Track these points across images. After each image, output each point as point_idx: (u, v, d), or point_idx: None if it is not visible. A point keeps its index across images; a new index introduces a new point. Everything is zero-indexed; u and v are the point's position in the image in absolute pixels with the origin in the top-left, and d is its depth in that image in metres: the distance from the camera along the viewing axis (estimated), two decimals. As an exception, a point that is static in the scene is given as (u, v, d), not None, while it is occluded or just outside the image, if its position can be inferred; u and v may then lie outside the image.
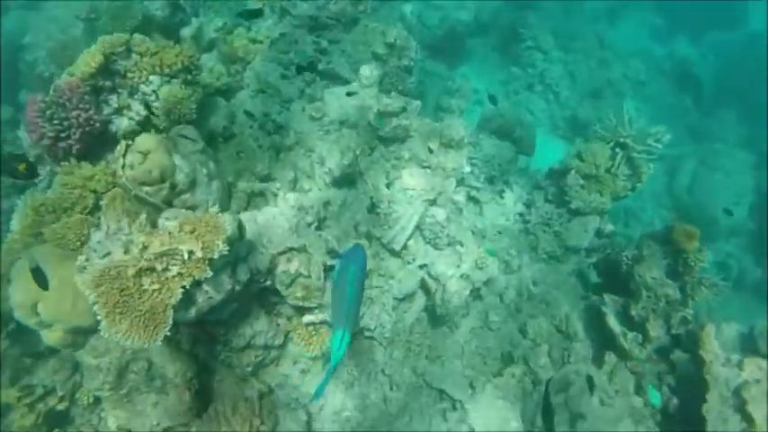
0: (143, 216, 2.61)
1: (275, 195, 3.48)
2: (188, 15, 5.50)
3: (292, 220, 3.13)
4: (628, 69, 9.54)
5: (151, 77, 3.45)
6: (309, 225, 3.25)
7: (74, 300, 2.66)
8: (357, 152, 3.77)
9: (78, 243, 2.89)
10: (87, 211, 3.07)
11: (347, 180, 3.85)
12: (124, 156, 2.85)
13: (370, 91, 4.21)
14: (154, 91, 3.43)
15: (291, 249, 2.97)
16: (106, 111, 3.45)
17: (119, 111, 3.50)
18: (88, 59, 3.31)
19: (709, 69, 11.03)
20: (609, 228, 5.06)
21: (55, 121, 3.18)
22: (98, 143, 3.41)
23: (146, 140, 2.80)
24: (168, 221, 2.40)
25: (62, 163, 3.23)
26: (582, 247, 4.99)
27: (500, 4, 8.61)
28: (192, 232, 2.29)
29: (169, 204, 2.86)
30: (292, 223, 3.11)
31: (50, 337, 2.85)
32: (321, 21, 4.73)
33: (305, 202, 3.32)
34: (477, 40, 8.64)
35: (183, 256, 2.23)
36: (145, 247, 2.23)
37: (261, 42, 4.71)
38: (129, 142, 2.97)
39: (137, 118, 3.50)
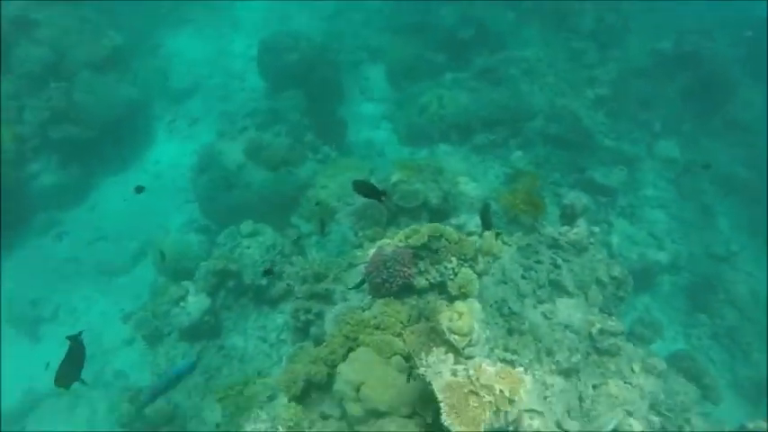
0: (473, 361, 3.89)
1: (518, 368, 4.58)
2: (452, 206, 7.41)
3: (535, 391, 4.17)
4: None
5: (452, 258, 5.02)
6: (545, 398, 4.25)
7: (386, 392, 3.93)
8: (579, 355, 4.79)
9: (391, 355, 4.26)
10: (396, 334, 4.49)
11: (565, 372, 4.83)
12: (439, 312, 4.26)
13: (593, 309, 5.33)
14: (453, 268, 4.96)
15: (533, 411, 3.96)
16: (412, 270, 5.06)
17: (421, 273, 5.09)
18: (419, 236, 5.02)
19: None
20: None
21: (390, 270, 4.82)
22: (402, 290, 4.99)
23: (463, 306, 4.21)
24: (489, 366, 3.61)
25: (384, 298, 4.79)
26: None
27: (700, 253, 9.44)
28: (503, 378, 3.45)
29: (457, 352, 4.14)
30: (535, 393, 4.14)
31: (352, 408, 4.10)
32: (560, 243, 6.14)
33: (546, 381, 4.37)
34: (666, 276, 9.44)
35: (496, 392, 3.38)
36: (477, 378, 3.44)
37: (510, 245, 6.23)
38: (449, 303, 4.42)
39: (432, 281, 5.05)
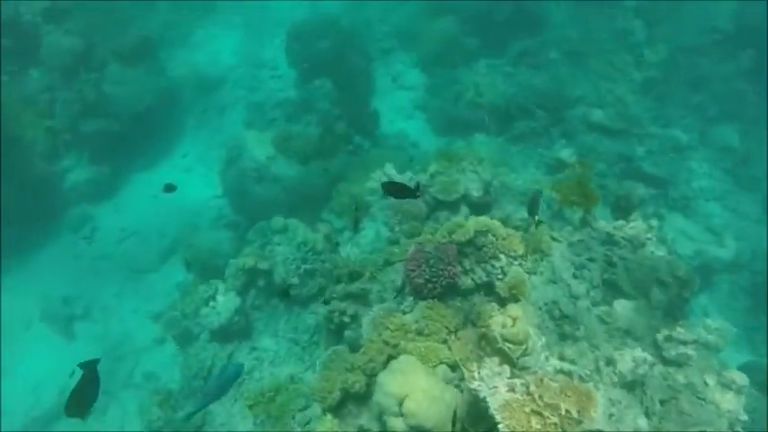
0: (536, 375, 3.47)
1: (582, 377, 4.13)
2: (493, 198, 6.94)
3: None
4: None
5: (500, 255, 4.57)
6: (610, 416, 3.79)
7: (433, 406, 3.54)
8: (646, 365, 4.29)
9: (435, 363, 3.86)
10: (441, 340, 4.08)
11: (629, 385, 4.34)
12: (490, 316, 3.84)
13: (656, 313, 4.81)
14: (501, 267, 4.51)
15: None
16: (457, 268, 4.64)
17: (466, 272, 4.66)
18: (464, 232, 4.58)
19: None
20: None
21: (433, 269, 4.41)
22: (446, 290, 4.57)
23: (517, 309, 3.77)
24: (553, 382, 3.18)
25: (427, 300, 4.38)
26: None
27: (762, 250, 8.70)
28: (569, 395, 3.03)
29: (511, 362, 3.71)
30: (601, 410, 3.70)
31: (395, 423, 3.73)
32: (615, 238, 5.61)
33: (609, 395, 3.91)
34: (725, 275, 8.73)
35: (561, 411, 2.95)
36: (540, 396, 3.03)
37: (560, 242, 5.73)
38: (500, 307, 3.99)
39: (478, 281, 4.61)
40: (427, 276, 4.39)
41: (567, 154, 8.57)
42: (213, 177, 10.40)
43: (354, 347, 5.57)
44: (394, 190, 3.92)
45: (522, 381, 3.18)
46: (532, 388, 3.06)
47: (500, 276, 4.50)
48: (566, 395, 3.03)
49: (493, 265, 4.54)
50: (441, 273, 4.39)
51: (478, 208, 6.76)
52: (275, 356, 7.22)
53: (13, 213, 9.09)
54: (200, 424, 6.56)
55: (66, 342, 8.82)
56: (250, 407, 5.57)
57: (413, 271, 4.49)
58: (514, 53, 11.12)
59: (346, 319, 5.55)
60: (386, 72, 12.00)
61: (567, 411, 2.96)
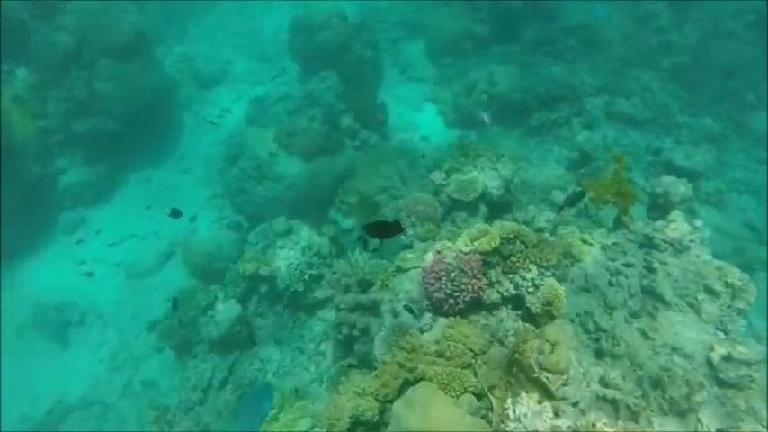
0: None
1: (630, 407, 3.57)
2: (514, 197, 6.38)
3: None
4: None
5: (531, 266, 4.01)
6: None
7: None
8: (704, 391, 3.72)
9: (460, 392, 3.31)
10: (465, 364, 3.53)
11: (682, 412, 3.77)
12: (525, 341, 3.29)
13: (708, 327, 4.23)
14: (532, 279, 3.95)
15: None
16: (482, 281, 4.08)
17: (491, 284, 4.10)
18: (489, 240, 4.02)
19: None
20: None
21: (455, 283, 3.86)
22: (471, 306, 4.01)
23: (556, 332, 3.22)
24: (606, 428, 2.65)
25: (449, 318, 3.83)
26: None
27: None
28: None
29: (550, 394, 3.17)
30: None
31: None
32: (654, 241, 5.02)
33: (662, 427, 3.35)
34: (763, 274, 8.09)
35: None
36: None
37: (591, 245, 5.16)
38: (532, 325, 3.44)
39: (505, 294, 4.05)
40: (448, 291, 3.84)
41: (590, 147, 7.96)
42: (214, 176, 9.92)
43: (365, 362, 5.06)
44: (377, 230, 3.69)
45: (570, 424, 2.64)
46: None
47: (531, 289, 3.93)
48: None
49: (523, 277, 3.98)
50: (463, 287, 3.84)
51: (498, 207, 6.21)
52: (279, 367, 6.74)
53: (5, 217, 8.65)
54: (199, 443, 6.11)
55: (60, 350, 8.38)
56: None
57: (432, 284, 3.94)
58: (529, 41, 10.48)
59: (356, 333, 5.02)
60: (394, 63, 11.42)
61: (628, 464, 2.42)
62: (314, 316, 7.01)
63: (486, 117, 8.38)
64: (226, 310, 6.49)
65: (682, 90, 9.43)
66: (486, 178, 6.06)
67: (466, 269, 3.86)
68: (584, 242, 5.16)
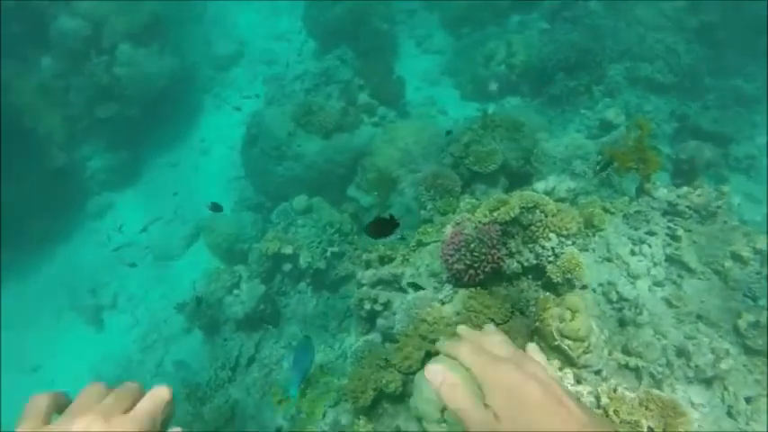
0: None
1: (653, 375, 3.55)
2: (534, 167, 6.28)
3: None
4: None
5: (551, 235, 3.97)
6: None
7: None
8: (730, 359, 3.66)
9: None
10: (486, 337, 3.54)
11: (708, 381, 3.73)
12: (545, 309, 3.27)
13: (736, 294, 4.14)
14: (552, 248, 3.91)
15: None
16: (502, 251, 4.06)
17: (511, 254, 4.08)
18: (508, 209, 3.99)
19: None
20: None
21: (475, 253, 3.85)
22: (491, 277, 4.01)
23: (576, 301, 3.20)
24: (628, 392, 2.65)
25: (469, 289, 3.84)
26: None
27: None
28: (650, 409, 2.50)
29: (571, 362, 3.17)
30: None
31: (437, 437, 3.25)
32: (678, 208, 4.90)
33: (688, 396, 3.33)
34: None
35: (644, 430, 2.43)
36: (614, 411, 2.50)
37: (613, 213, 5.07)
38: (554, 295, 3.42)
39: (525, 263, 4.03)
40: (468, 262, 3.83)
41: (612, 114, 7.75)
42: (235, 157, 10.02)
43: (388, 337, 5.13)
44: (377, 228, 3.70)
45: (590, 390, 2.65)
46: (605, 400, 2.53)
47: (551, 259, 3.90)
48: (647, 409, 2.48)
49: (543, 246, 3.95)
50: (483, 257, 3.82)
51: (518, 179, 6.14)
52: (305, 344, 6.85)
53: (35, 206, 8.92)
54: (229, 416, 6.30)
55: (96, 332, 8.70)
56: (279, 402, 5.21)
57: (451, 256, 3.94)
58: (549, 6, 10.18)
59: (378, 308, 5.07)
60: (410, 35, 11.24)
61: (649, 429, 2.42)
62: (336, 293, 7.10)
63: (495, 87, 8.24)
64: (250, 289, 6.62)
65: (710, 51, 9.06)
66: (506, 149, 5.97)
67: (485, 239, 3.84)
68: (606, 211, 5.07)
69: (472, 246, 3.85)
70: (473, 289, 3.86)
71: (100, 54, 9.04)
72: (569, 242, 3.97)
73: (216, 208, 6.09)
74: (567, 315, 3.12)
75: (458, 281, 3.99)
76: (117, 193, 10.04)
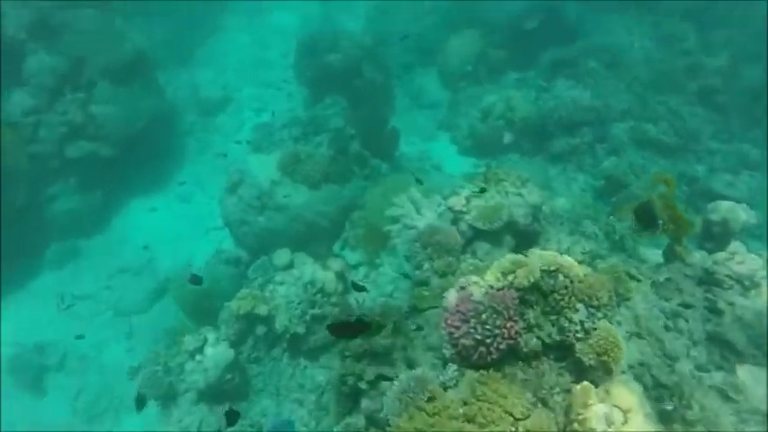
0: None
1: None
2: (542, 226, 5.66)
3: None
4: None
5: (578, 305, 3.26)
6: None
7: None
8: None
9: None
10: (503, 437, 2.75)
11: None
12: (585, 405, 2.51)
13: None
14: (581, 322, 3.19)
15: None
16: (519, 324, 3.33)
17: (530, 328, 3.35)
18: (527, 272, 3.29)
19: None
20: None
21: (487, 326, 3.11)
22: (505, 355, 3.25)
23: (626, 395, 2.47)
24: None
25: (479, 371, 3.07)
26: None
27: None
28: None
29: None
30: None
31: None
32: (716, 277, 4.25)
33: None
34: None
35: None
36: None
37: (639, 281, 4.41)
38: (592, 386, 2.67)
39: (547, 340, 3.29)
40: (479, 336, 3.09)
41: (619, 172, 7.28)
42: (213, 207, 9.31)
43: (374, 422, 4.26)
44: (343, 329, 3.35)
45: None
46: None
47: (580, 335, 3.17)
48: None
49: (569, 319, 3.23)
50: (498, 331, 3.09)
51: (525, 238, 5.49)
52: (276, 422, 5.90)
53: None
54: None
55: (34, 399, 7.57)
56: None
57: (457, 328, 3.20)
58: (547, 64, 9.98)
59: (363, 386, 4.24)
60: (406, 90, 10.95)
61: None
62: (316, 362, 6.24)
63: (509, 139, 7.81)
64: (216, 354, 5.73)
65: (712, 114, 8.80)
66: (512, 204, 5.36)
67: (500, 309, 3.12)
68: (632, 277, 4.42)
69: (484, 317, 3.12)
70: (484, 371, 3.09)
71: (75, 90, 8.49)
72: (600, 315, 3.26)
73: (196, 281, 5.32)
74: (617, 416, 2.36)
75: (464, 359, 3.23)
76: (83, 240, 9.19)
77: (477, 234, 5.33)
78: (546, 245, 5.06)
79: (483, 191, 5.49)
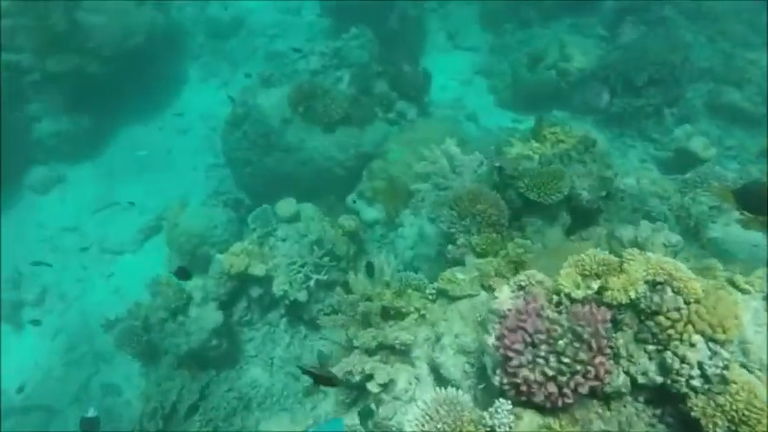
0: None
1: None
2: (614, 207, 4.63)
3: None
4: None
5: (695, 337, 2.27)
6: None
7: None
8: None
9: None
10: None
11: None
12: None
13: None
14: (700, 363, 2.20)
15: None
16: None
17: (616, 357, 2.38)
18: (627, 284, 2.29)
19: None
20: None
21: (565, 359, 2.14)
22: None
23: None
24: None
25: (543, 414, 2.13)
26: None
27: None
28: None
29: None
30: None
31: None
32: None
33: None
34: None
35: None
36: None
37: (747, 292, 3.39)
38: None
39: (641, 379, 2.32)
40: (551, 372, 2.14)
41: (698, 145, 6.10)
42: (216, 141, 8.29)
43: (379, 427, 3.43)
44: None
45: None
46: None
47: (696, 382, 2.20)
48: None
49: (681, 357, 2.24)
50: (579, 367, 2.13)
51: (584, 217, 4.45)
52: (266, 396, 5.15)
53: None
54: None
55: (14, 335, 6.93)
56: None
57: (518, 353, 2.23)
58: (611, 10, 8.53)
59: (374, 389, 3.36)
60: (441, 26, 9.57)
61: None
62: (317, 332, 5.40)
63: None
64: (201, 318, 4.89)
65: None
66: (574, 174, 4.28)
67: (585, 336, 2.14)
68: (734, 286, 3.40)
69: (561, 344, 2.15)
70: (553, 419, 2.15)
71: (59, -8, 7.30)
72: (727, 355, 2.26)
73: (182, 275, 4.37)
74: None
75: (521, 394, 2.28)
76: (70, 166, 8.28)
77: (525, 205, 4.29)
78: (619, 230, 4.01)
79: (541, 151, 4.42)
